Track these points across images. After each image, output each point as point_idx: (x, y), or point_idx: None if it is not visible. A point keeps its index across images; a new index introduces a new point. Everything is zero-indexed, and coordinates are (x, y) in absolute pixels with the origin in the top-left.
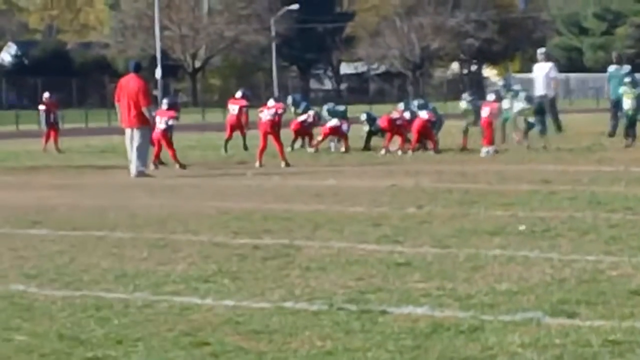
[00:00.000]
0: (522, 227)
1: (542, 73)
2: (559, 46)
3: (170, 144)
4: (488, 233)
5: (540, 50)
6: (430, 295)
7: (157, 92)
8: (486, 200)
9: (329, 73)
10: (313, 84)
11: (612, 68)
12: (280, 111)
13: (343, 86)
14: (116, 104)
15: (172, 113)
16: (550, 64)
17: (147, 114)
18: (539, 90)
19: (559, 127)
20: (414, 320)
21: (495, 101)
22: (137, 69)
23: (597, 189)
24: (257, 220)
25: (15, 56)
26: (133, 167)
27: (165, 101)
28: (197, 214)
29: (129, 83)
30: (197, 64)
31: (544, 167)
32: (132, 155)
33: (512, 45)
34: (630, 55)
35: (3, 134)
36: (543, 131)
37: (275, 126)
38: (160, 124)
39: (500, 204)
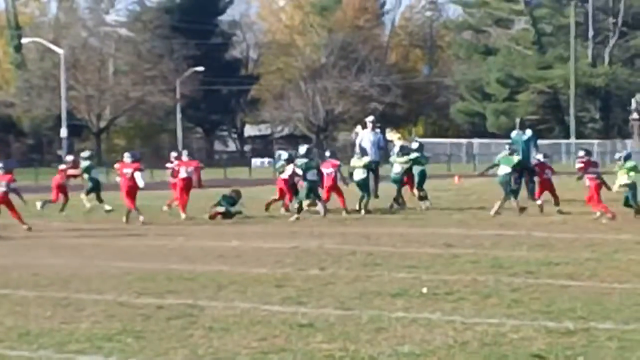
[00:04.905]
0: (424, 290)
1: (371, 140)
2: (462, 111)
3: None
4: (391, 295)
5: (370, 119)
6: (333, 357)
7: (62, 152)
8: (389, 262)
9: (234, 135)
10: (217, 146)
11: (514, 133)
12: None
13: (247, 148)
14: None
15: (9, 177)
16: (379, 134)
17: None
18: (372, 155)
19: (376, 194)
20: None
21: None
22: None
23: (499, 253)
24: (160, 281)
25: None
26: None
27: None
28: (101, 273)
29: None
30: (102, 124)
31: (447, 231)
32: None
33: (416, 109)
34: (532, 121)
35: None
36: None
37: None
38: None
39: (403, 267)
